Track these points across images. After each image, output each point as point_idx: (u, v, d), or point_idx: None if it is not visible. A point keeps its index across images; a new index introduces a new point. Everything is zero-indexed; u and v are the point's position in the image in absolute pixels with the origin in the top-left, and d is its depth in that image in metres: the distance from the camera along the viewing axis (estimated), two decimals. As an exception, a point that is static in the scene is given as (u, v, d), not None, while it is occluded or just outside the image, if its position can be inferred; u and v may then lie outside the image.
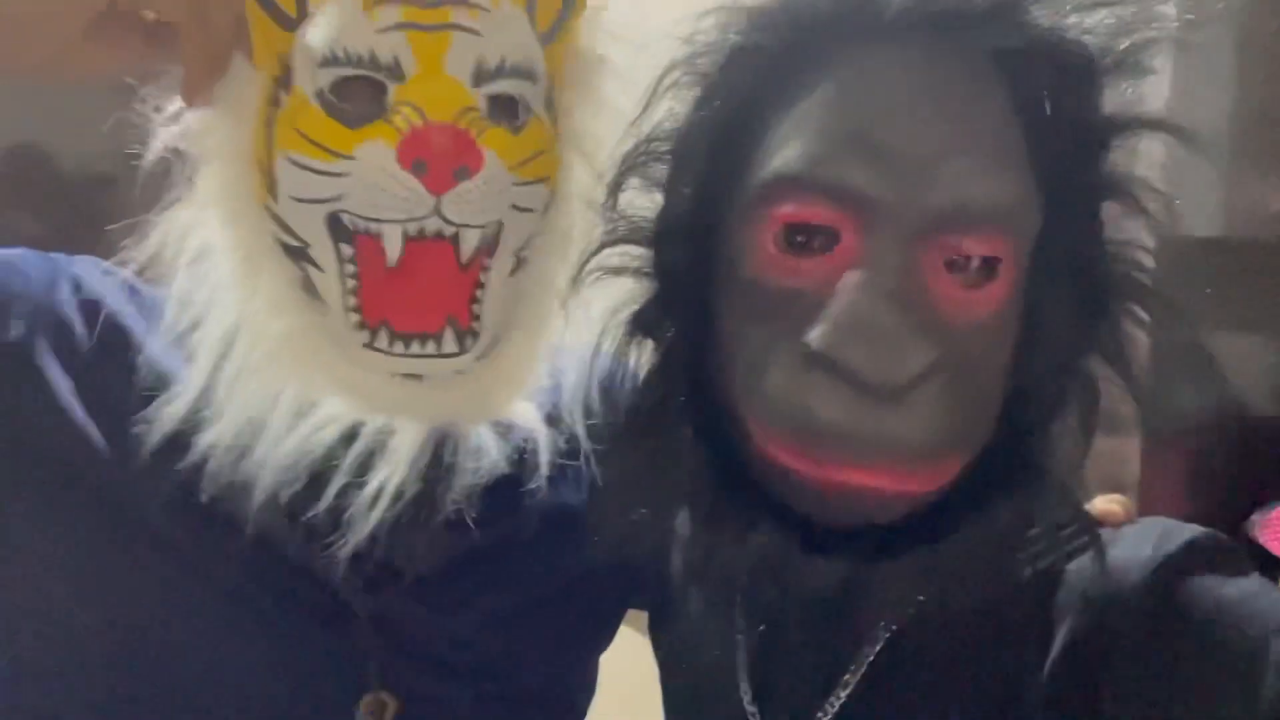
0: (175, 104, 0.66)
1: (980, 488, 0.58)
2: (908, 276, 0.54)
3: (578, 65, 0.70)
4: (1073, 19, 0.55)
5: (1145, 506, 0.70)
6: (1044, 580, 0.61)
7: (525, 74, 0.65)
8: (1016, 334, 0.58)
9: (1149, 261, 0.59)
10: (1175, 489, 1.30)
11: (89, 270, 0.72)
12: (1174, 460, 1.31)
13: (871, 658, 0.65)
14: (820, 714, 0.66)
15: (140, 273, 0.68)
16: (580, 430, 0.72)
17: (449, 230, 0.63)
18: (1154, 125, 0.58)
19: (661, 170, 0.63)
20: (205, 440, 0.65)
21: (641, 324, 0.63)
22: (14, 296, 0.69)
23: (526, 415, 0.71)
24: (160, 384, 0.67)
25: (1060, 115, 0.56)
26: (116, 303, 0.71)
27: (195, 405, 0.66)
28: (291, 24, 0.63)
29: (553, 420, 0.73)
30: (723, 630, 0.72)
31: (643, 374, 0.64)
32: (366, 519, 0.66)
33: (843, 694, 0.65)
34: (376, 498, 0.66)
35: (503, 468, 0.71)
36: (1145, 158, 0.60)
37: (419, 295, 0.64)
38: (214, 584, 0.69)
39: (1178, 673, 0.56)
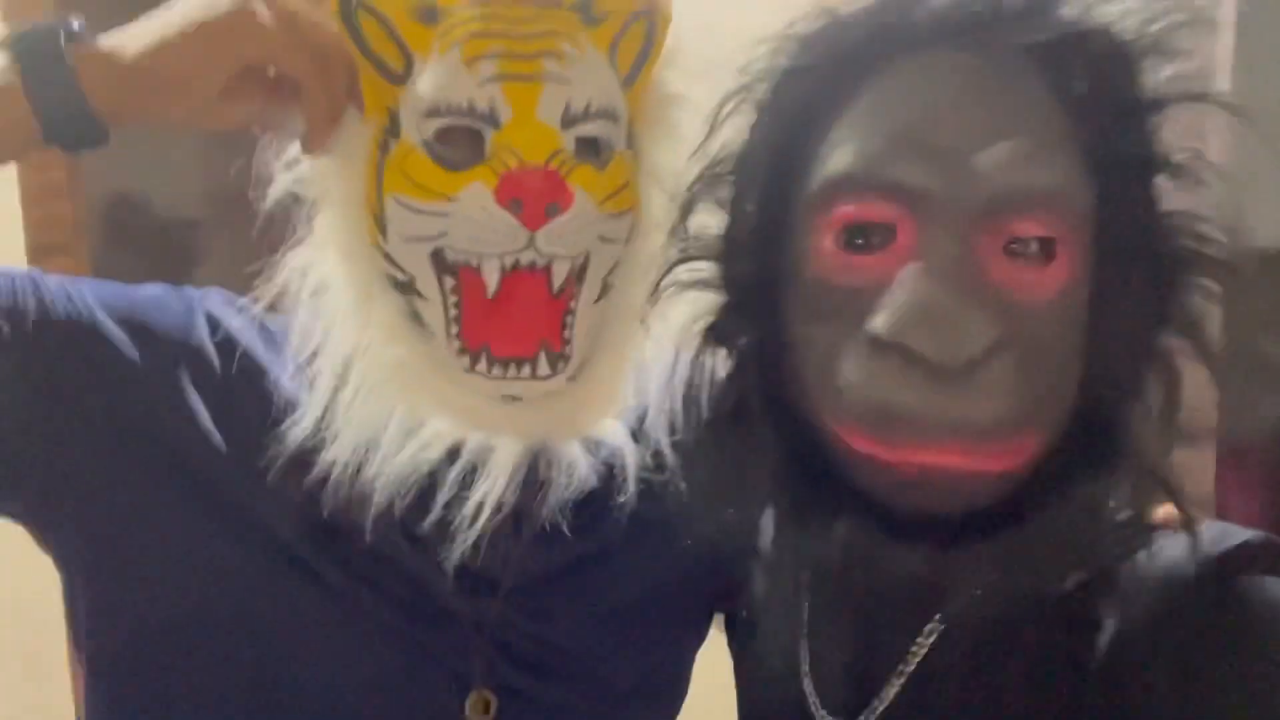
0: (294, 152, 0.73)
1: (1061, 473, 0.59)
2: (964, 262, 0.56)
3: (655, 104, 0.75)
4: (1103, 8, 0.58)
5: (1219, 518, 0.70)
6: (1098, 575, 0.62)
7: (609, 115, 0.71)
8: (1087, 315, 0.59)
9: (1213, 233, 0.60)
10: (1250, 502, 1.30)
11: (220, 306, 0.78)
12: (1249, 472, 1.31)
13: (924, 651, 0.67)
14: (875, 703, 0.68)
15: (266, 306, 0.74)
16: (664, 445, 0.76)
17: (542, 261, 0.69)
18: (1196, 98, 0.59)
19: (726, 190, 0.66)
20: (326, 458, 0.71)
21: (716, 334, 0.67)
22: (159, 330, 0.75)
23: (614, 432, 0.76)
24: (287, 409, 0.73)
25: (1101, 98, 0.58)
26: (247, 337, 0.77)
27: (317, 426, 0.71)
28: (398, 79, 0.70)
29: (638, 436, 0.77)
30: (790, 627, 0.75)
31: (720, 380, 0.67)
32: (470, 530, 0.71)
33: (897, 683, 0.67)
34: (478, 510, 0.71)
35: (593, 482, 0.76)
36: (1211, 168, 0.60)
37: (515, 323, 0.70)
38: (333, 592, 0.74)
39: (1227, 670, 0.56)
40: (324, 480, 0.71)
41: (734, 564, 0.82)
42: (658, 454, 0.76)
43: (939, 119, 0.58)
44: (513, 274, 0.69)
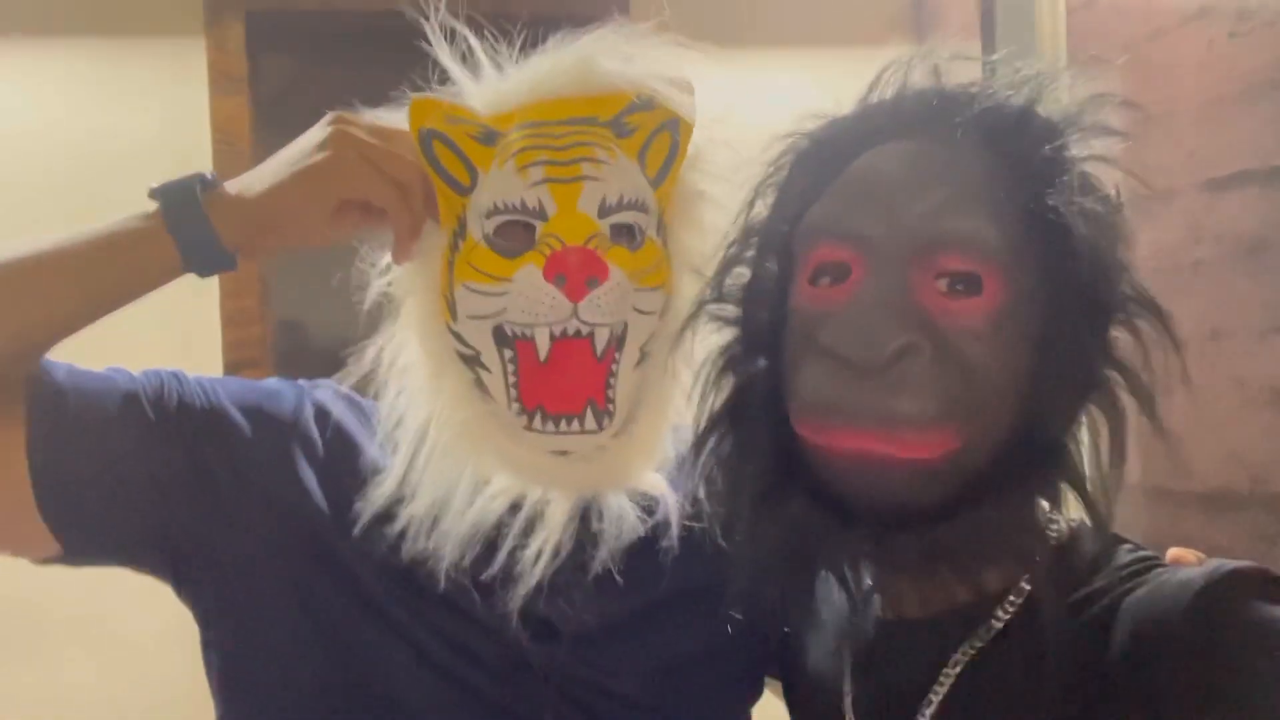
0: (385, 260, 0.88)
1: (993, 478, 0.68)
2: (895, 289, 0.68)
3: (682, 199, 0.87)
4: (1023, 92, 0.72)
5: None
6: (1112, 605, 0.67)
7: (638, 207, 0.82)
8: (1028, 342, 0.68)
9: (1138, 279, 0.69)
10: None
11: (325, 393, 0.91)
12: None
13: (951, 681, 0.72)
14: None
15: (361, 389, 0.87)
16: (701, 492, 0.83)
17: (585, 329, 0.80)
18: (1101, 160, 0.70)
19: (751, 251, 0.79)
20: (405, 513, 0.82)
21: (730, 361, 0.79)
22: (275, 416, 0.88)
23: (656, 483, 0.85)
24: (376, 474, 0.84)
25: (1030, 162, 0.70)
26: (346, 418, 0.90)
27: (399, 486, 0.83)
28: (465, 190, 0.83)
29: (677, 487, 0.86)
30: (834, 673, 0.82)
31: (727, 391, 0.78)
32: (531, 574, 0.80)
33: (927, 711, 0.73)
34: (538, 557, 0.81)
35: (641, 533, 0.84)
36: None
37: (564, 383, 0.81)
38: (414, 641, 0.83)
39: (1215, 690, 0.60)
40: (403, 533, 0.81)
41: (778, 623, 0.90)
42: (696, 501, 0.83)
43: (886, 184, 0.71)
44: (561, 341, 0.80)
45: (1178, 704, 0.61)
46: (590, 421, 0.81)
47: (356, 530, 0.83)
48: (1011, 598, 0.73)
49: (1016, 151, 0.70)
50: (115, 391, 0.82)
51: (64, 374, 0.81)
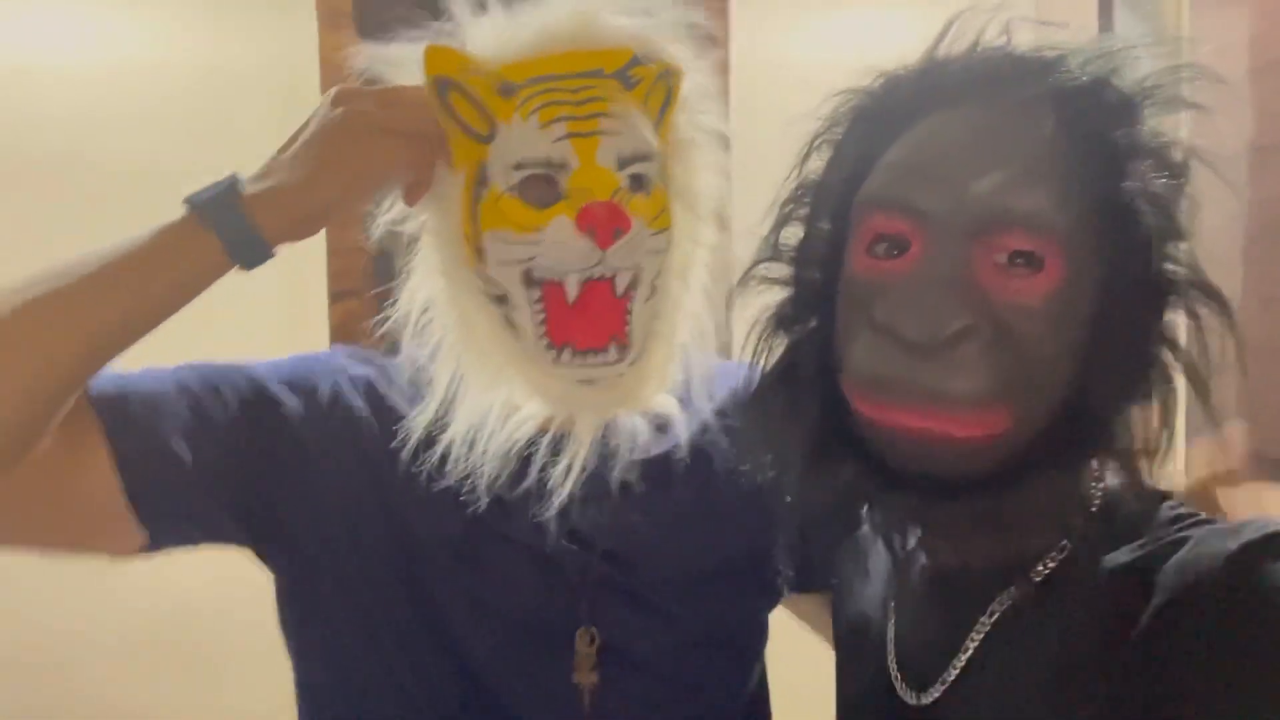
0: (391, 200, 0.94)
1: (1043, 455, 0.68)
2: (955, 267, 0.67)
3: (675, 143, 0.94)
4: (1101, 63, 0.70)
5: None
6: (1148, 565, 0.67)
7: (648, 156, 0.90)
8: (1084, 321, 0.68)
9: (1197, 261, 0.69)
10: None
11: (345, 359, 1.00)
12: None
13: (987, 630, 0.74)
14: (945, 677, 0.76)
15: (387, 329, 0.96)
16: (707, 412, 0.94)
17: (609, 273, 0.88)
18: (1172, 145, 0.69)
19: (804, 210, 0.80)
20: (444, 438, 0.91)
21: (781, 321, 0.81)
22: (310, 385, 0.96)
23: (666, 403, 0.96)
24: (402, 420, 0.93)
25: (1102, 139, 0.69)
26: (371, 375, 0.98)
27: (437, 414, 0.92)
28: (484, 139, 0.90)
29: (685, 405, 0.96)
30: (878, 620, 0.86)
31: (779, 352, 0.80)
32: (562, 487, 0.90)
33: (963, 658, 0.75)
34: (568, 472, 0.90)
35: (655, 449, 0.94)
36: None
37: (591, 322, 0.89)
38: (465, 555, 0.93)
39: (1248, 653, 0.60)
40: (445, 456, 0.91)
41: (800, 545, 0.99)
42: (705, 425, 0.95)
43: (948, 155, 0.70)
44: (588, 284, 0.88)
45: (1207, 669, 0.61)
46: (613, 354, 0.90)
47: (400, 466, 0.92)
48: (1051, 555, 0.73)
49: (1088, 126, 0.69)
50: (171, 389, 0.90)
51: (115, 381, 0.88)
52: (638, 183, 0.89)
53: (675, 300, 0.93)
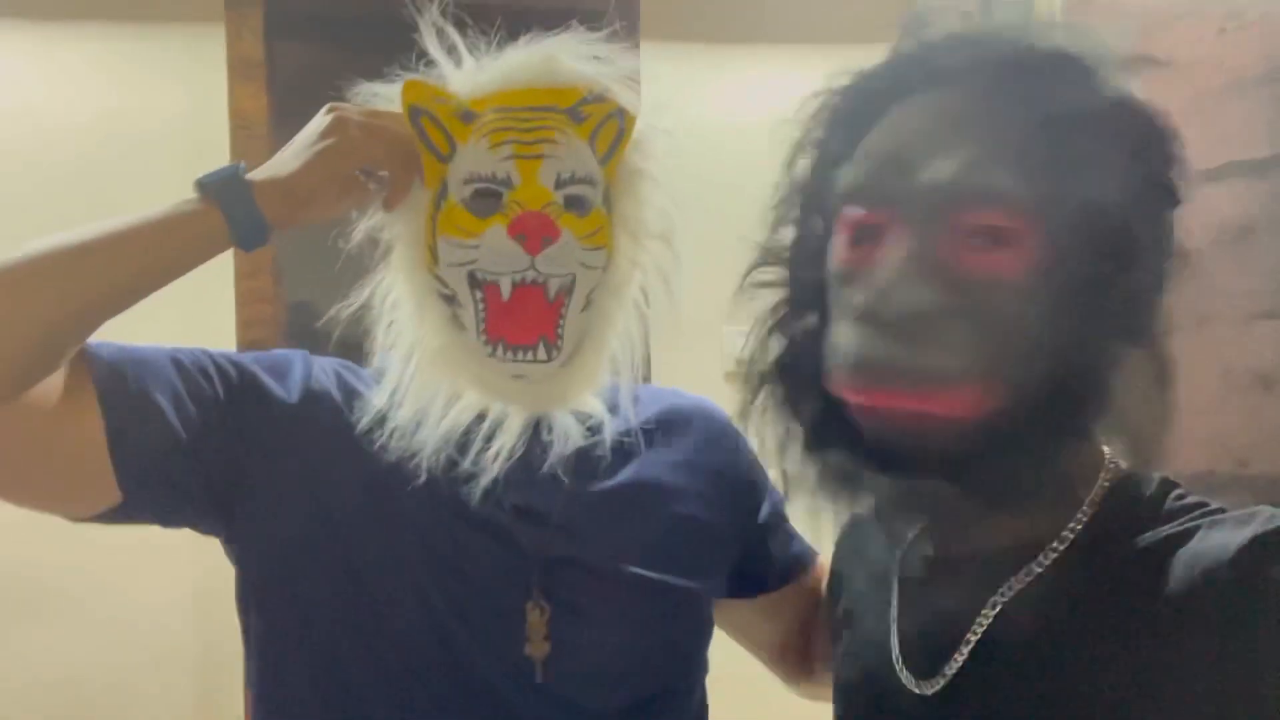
0: (372, 211, 1.06)
1: (1024, 427, 0.68)
2: (924, 247, 0.68)
3: (625, 175, 1.05)
4: (1055, 34, 0.71)
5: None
6: (1153, 552, 0.68)
7: (588, 181, 1.01)
8: (1065, 294, 0.67)
9: (1173, 231, 0.69)
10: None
11: (314, 357, 1.10)
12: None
13: (988, 623, 0.75)
14: (947, 668, 0.76)
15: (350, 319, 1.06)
16: (631, 415, 1.05)
17: (540, 278, 0.99)
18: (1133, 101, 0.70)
19: (795, 212, 0.82)
20: (395, 420, 1.01)
21: (777, 321, 0.83)
22: (291, 373, 1.06)
23: (594, 405, 1.05)
24: (364, 405, 1.03)
25: (1063, 105, 0.68)
26: (344, 373, 1.09)
27: (389, 400, 1.02)
28: (445, 159, 1.02)
29: (612, 409, 1.06)
30: (880, 606, 0.86)
31: (776, 351, 0.82)
32: (491, 469, 1.00)
33: (965, 650, 0.75)
34: (497, 456, 1.00)
35: (581, 443, 1.03)
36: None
37: (522, 320, 1.00)
38: (418, 527, 0.99)
39: (1259, 644, 0.60)
40: (392, 435, 1.00)
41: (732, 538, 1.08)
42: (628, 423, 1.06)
43: (912, 142, 0.72)
44: (520, 287, 0.99)
45: (1216, 662, 0.62)
46: (542, 353, 1.00)
47: (364, 442, 1.01)
48: (1056, 542, 0.73)
49: (1051, 93, 0.69)
50: (166, 362, 0.99)
51: (114, 347, 0.97)
52: (574, 202, 1.00)
53: (609, 315, 1.04)
